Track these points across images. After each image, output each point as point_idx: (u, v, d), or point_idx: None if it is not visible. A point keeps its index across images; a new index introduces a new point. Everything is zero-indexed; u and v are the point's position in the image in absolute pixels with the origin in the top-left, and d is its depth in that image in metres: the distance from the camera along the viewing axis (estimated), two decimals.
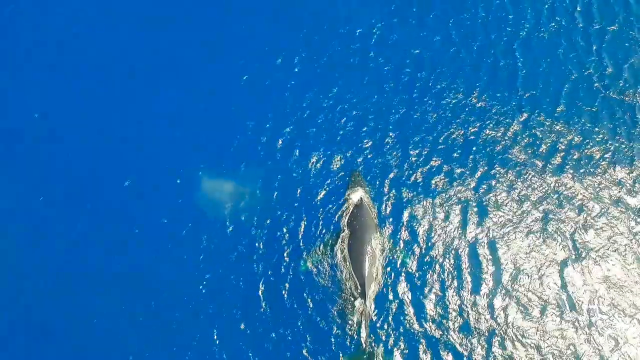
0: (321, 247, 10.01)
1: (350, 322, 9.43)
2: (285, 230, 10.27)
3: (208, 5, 12.75)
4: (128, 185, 10.83)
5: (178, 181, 10.80)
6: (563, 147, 10.98)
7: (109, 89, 11.82)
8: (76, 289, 10.08)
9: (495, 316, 9.52)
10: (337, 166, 10.86)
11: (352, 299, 9.45)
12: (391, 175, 10.72)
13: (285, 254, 10.06)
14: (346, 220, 10.05)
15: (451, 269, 9.89)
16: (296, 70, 11.91)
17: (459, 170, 10.78)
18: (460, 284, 9.78)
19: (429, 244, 10.09)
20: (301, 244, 10.12)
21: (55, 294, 10.06)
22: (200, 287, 9.93)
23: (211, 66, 12.03)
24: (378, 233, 9.98)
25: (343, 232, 9.97)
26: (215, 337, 9.55)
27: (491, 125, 11.25)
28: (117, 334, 9.73)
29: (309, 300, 9.68)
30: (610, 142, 11.00)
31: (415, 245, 10.07)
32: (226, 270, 10.05)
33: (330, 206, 10.43)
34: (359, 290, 9.33)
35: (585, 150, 10.93)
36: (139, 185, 10.86)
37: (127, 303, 9.93)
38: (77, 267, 10.23)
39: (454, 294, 9.71)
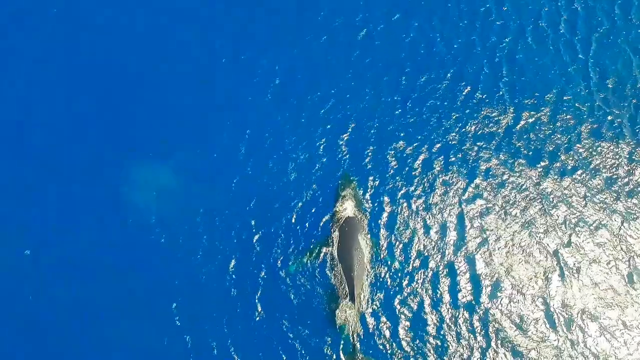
0: (310, 251, 9.86)
1: (338, 325, 9.27)
2: (269, 236, 10.13)
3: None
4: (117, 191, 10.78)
5: (154, 193, 10.66)
6: (547, 157, 10.78)
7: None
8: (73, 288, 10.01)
9: (477, 329, 9.31)
10: (319, 175, 10.68)
11: (341, 302, 9.32)
12: (372, 184, 10.54)
13: (271, 259, 9.93)
14: (336, 226, 9.94)
15: (436, 279, 9.69)
16: (277, 81, 11.75)
17: (443, 179, 10.60)
18: (444, 294, 9.57)
19: (414, 252, 9.91)
20: (285, 250, 9.98)
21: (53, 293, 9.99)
22: (184, 291, 9.81)
23: (188, 72, 11.93)
24: (367, 237, 9.91)
25: (332, 235, 9.88)
26: (197, 342, 9.40)
27: (474, 134, 11.06)
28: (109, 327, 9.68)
29: (297, 303, 9.55)
30: (595, 152, 10.80)
31: (401, 253, 9.90)
32: (210, 277, 9.90)
33: (315, 212, 10.29)
34: (347, 293, 9.24)
35: (570, 161, 10.73)
36: (122, 193, 10.75)
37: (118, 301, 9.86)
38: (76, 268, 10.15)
39: (439, 304, 9.50)
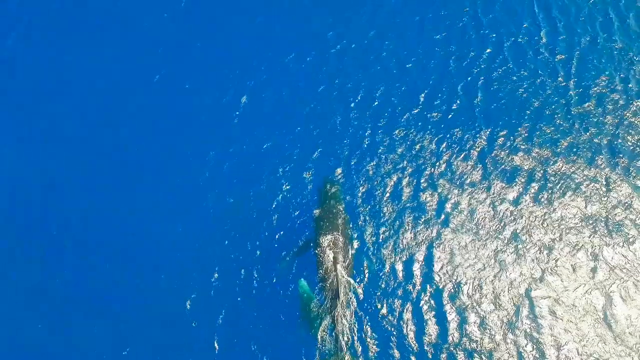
0: (297, 250, 9.68)
1: (322, 326, 8.94)
2: (256, 237, 9.93)
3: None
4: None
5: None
6: (522, 180, 10.24)
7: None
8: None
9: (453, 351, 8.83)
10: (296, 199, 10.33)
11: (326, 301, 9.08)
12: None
13: (258, 258, 9.73)
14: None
15: (415, 300, 9.25)
16: (244, 101, 11.51)
17: (415, 203, 10.12)
18: (423, 315, 9.10)
19: (390, 275, 9.49)
20: (272, 249, 9.78)
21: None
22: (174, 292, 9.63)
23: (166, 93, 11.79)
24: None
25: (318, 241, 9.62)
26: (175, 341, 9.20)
27: (450, 157, 10.59)
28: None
29: (281, 304, 9.28)
30: (571, 177, 10.25)
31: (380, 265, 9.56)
32: (199, 279, 9.69)
33: (300, 214, 10.10)
34: (332, 293, 9.11)
35: (548, 184, 10.18)
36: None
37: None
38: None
39: (417, 322, 9.05)
